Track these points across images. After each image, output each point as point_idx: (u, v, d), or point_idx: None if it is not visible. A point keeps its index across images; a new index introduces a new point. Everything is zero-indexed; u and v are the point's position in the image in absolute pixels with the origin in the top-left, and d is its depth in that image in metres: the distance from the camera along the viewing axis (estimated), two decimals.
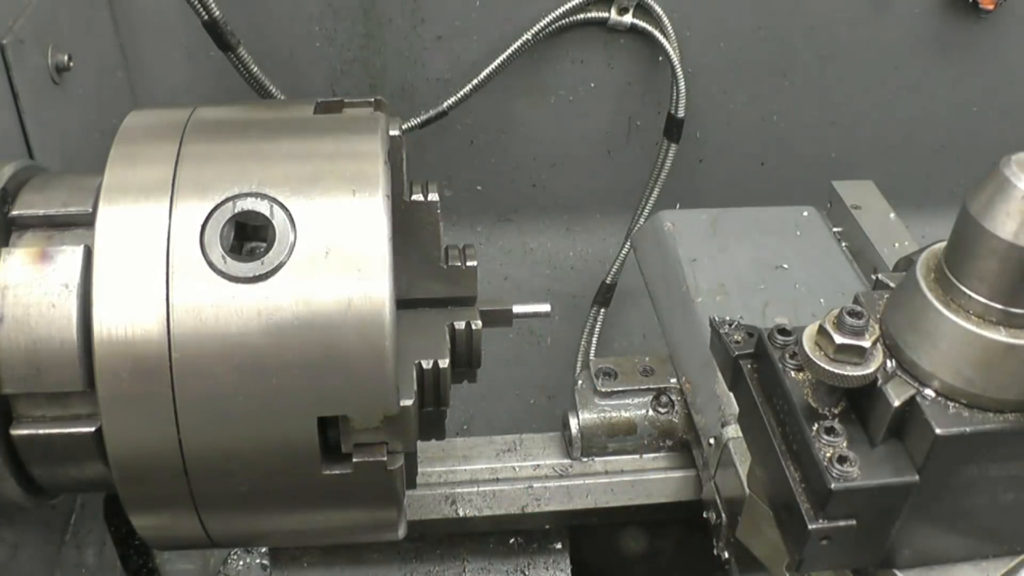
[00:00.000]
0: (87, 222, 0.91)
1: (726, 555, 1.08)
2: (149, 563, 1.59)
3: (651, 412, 1.23)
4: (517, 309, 1.14)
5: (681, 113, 2.08)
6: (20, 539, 1.14)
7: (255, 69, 1.92)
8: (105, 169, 0.89)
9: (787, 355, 0.92)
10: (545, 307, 1.18)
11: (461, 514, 1.19)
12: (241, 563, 1.97)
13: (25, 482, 0.96)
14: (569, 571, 1.30)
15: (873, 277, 1.04)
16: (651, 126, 2.17)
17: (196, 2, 1.78)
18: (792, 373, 0.92)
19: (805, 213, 1.49)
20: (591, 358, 1.71)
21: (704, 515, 1.15)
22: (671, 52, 2.04)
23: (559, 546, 1.31)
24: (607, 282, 2.24)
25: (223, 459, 0.87)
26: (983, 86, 2.22)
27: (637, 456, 1.26)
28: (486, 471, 1.22)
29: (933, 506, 0.89)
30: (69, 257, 0.89)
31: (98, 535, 1.38)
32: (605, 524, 1.30)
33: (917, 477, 0.85)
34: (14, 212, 0.93)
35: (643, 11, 2.04)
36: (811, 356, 0.85)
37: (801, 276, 1.34)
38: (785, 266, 1.36)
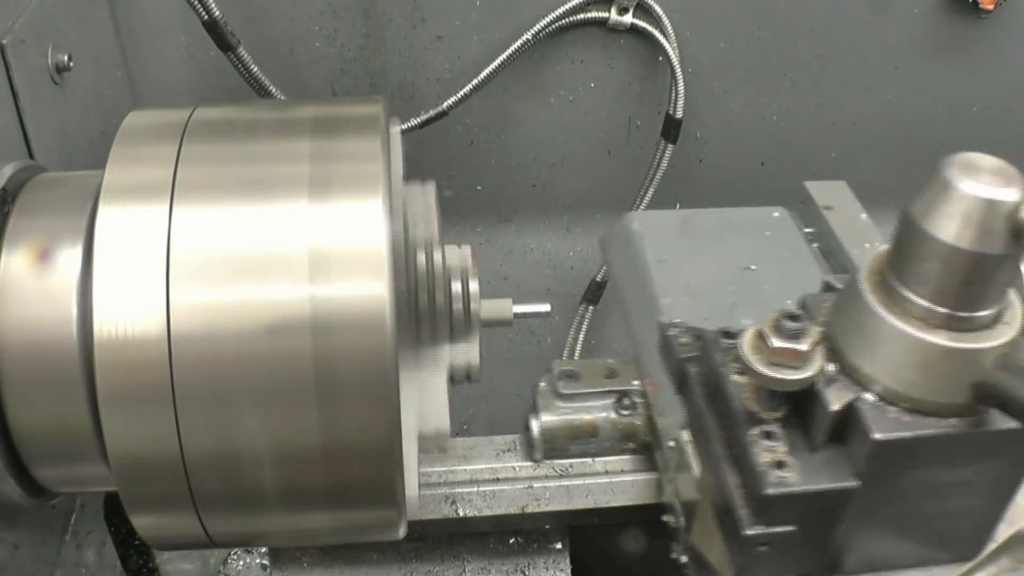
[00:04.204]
0: (87, 222, 0.91)
1: (683, 559, 1.07)
2: (149, 563, 1.59)
3: (613, 414, 1.22)
4: (517, 309, 1.14)
5: (679, 114, 2.08)
6: (20, 539, 1.14)
7: (255, 69, 1.92)
8: (105, 169, 0.89)
9: (731, 358, 0.91)
10: (545, 307, 1.18)
11: (461, 514, 1.19)
12: (241, 563, 1.98)
13: (25, 482, 0.96)
14: (569, 571, 1.30)
15: (823, 280, 1.03)
16: (651, 126, 2.17)
17: (196, 2, 1.78)
18: (735, 377, 0.91)
19: (776, 214, 1.47)
20: (559, 359, 1.69)
21: (664, 518, 1.14)
22: (671, 52, 2.04)
23: (559, 546, 1.30)
24: (597, 280, 2.24)
25: (223, 459, 0.87)
26: (983, 86, 2.22)
27: (639, 456, 1.26)
28: (486, 471, 1.22)
29: (878, 512, 0.88)
30: (69, 257, 0.89)
31: (98, 535, 1.38)
32: (606, 524, 1.30)
33: (857, 482, 0.84)
34: (14, 212, 0.93)
35: (643, 11, 2.04)
36: (749, 360, 0.84)
37: (769, 277, 1.32)
38: (754, 267, 1.34)
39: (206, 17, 1.80)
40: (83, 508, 1.33)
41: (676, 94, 2.06)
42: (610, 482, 1.21)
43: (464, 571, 1.27)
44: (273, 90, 1.96)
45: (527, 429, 1.21)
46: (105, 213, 0.86)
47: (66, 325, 0.87)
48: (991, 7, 2.05)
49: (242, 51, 1.88)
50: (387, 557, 1.26)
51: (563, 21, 2.02)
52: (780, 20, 2.10)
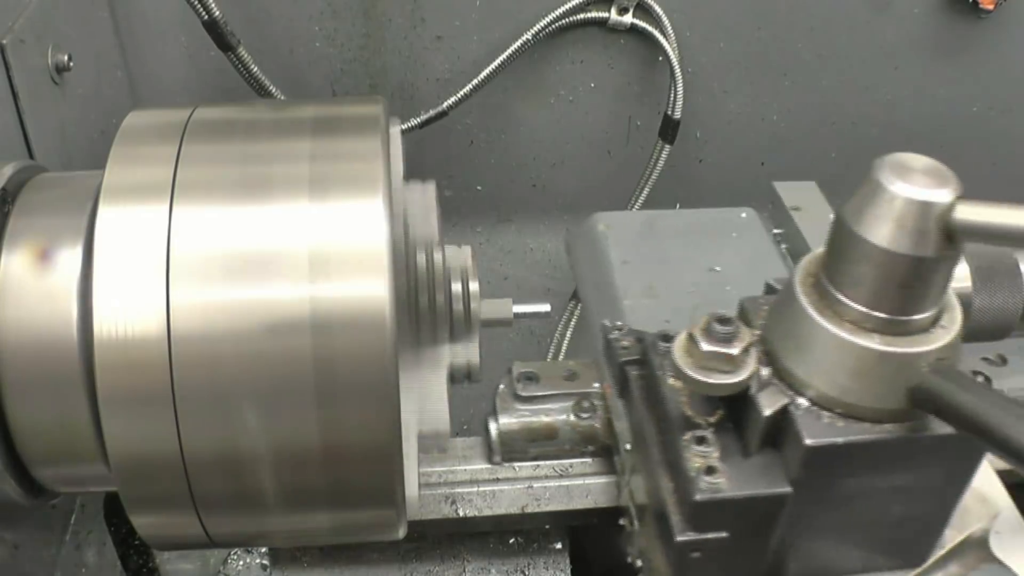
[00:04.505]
0: (87, 222, 0.91)
1: (639, 563, 1.07)
2: (149, 563, 1.59)
3: (572, 417, 1.20)
4: (517, 309, 1.14)
5: (677, 115, 2.08)
6: (20, 539, 1.14)
7: (255, 69, 1.92)
8: (105, 169, 0.89)
9: (668, 362, 0.88)
10: (545, 307, 1.18)
11: (461, 514, 1.19)
12: (241, 563, 1.97)
13: (25, 482, 0.96)
14: (569, 571, 1.30)
15: (765, 282, 1.01)
16: (651, 126, 2.17)
17: (196, 2, 1.79)
18: (671, 381, 0.89)
19: (743, 215, 1.45)
20: (519, 361, 1.67)
21: (620, 522, 1.13)
22: (670, 53, 2.04)
23: (559, 546, 1.30)
24: None
25: (223, 459, 0.87)
26: (983, 86, 2.23)
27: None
28: (486, 471, 1.22)
29: (816, 518, 0.87)
30: (69, 257, 0.89)
31: (98, 535, 1.38)
32: (606, 524, 1.30)
33: (790, 488, 0.83)
34: (14, 212, 0.93)
35: (643, 11, 2.04)
36: (680, 364, 0.83)
37: (734, 278, 1.29)
38: (718, 268, 1.32)
39: (206, 17, 1.80)
40: (83, 508, 1.33)
41: (675, 95, 2.07)
42: (610, 482, 1.21)
43: (464, 571, 1.27)
44: (273, 90, 1.96)
45: (486, 431, 1.20)
46: (105, 213, 0.85)
47: (66, 325, 0.87)
48: (991, 7, 2.05)
49: (242, 51, 1.88)
50: (387, 557, 1.26)
51: (563, 21, 2.02)
52: (780, 20, 2.10)
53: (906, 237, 0.74)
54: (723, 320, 0.83)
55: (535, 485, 1.20)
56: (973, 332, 1.02)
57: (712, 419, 0.87)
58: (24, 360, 0.87)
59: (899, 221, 0.74)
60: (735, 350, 0.82)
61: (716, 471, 0.83)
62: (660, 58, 2.09)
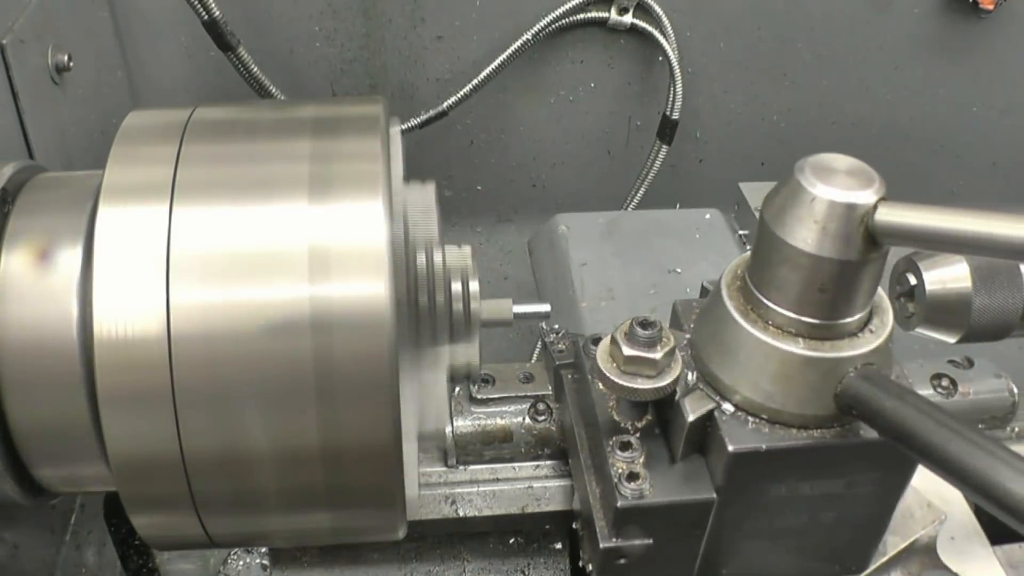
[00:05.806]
0: (87, 222, 0.91)
1: (589, 568, 1.06)
2: (149, 563, 1.59)
3: (527, 420, 1.20)
4: (517, 309, 1.13)
5: (676, 115, 2.08)
6: (20, 539, 1.14)
7: (255, 69, 1.92)
8: (105, 169, 0.89)
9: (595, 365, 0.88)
10: (545, 307, 1.18)
11: (461, 514, 1.19)
12: (241, 563, 1.97)
13: (25, 482, 0.96)
14: (569, 571, 1.30)
15: (702, 284, 1.00)
16: (651, 127, 2.17)
17: (196, 2, 1.78)
18: (600, 385, 0.88)
19: (708, 216, 1.44)
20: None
21: (573, 526, 1.13)
22: (670, 53, 2.04)
23: (559, 546, 1.30)
24: None
25: (223, 459, 0.87)
26: (983, 86, 2.23)
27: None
28: (486, 471, 1.22)
29: (746, 524, 0.86)
30: (69, 257, 0.89)
31: (98, 535, 1.38)
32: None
33: (715, 495, 0.82)
34: (14, 212, 0.93)
35: (643, 11, 2.04)
36: (603, 368, 0.82)
37: (694, 280, 1.28)
38: (678, 270, 1.31)
39: (206, 17, 1.80)
40: (83, 508, 1.33)
41: (674, 95, 2.06)
42: None
43: (464, 571, 1.27)
44: (273, 90, 1.96)
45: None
46: (105, 213, 0.85)
47: (66, 325, 0.87)
48: (991, 7, 2.05)
49: (242, 51, 1.88)
50: (387, 557, 1.26)
51: (563, 21, 2.02)
52: (780, 20, 2.10)
53: (828, 240, 0.72)
54: (646, 324, 0.81)
55: (535, 485, 1.20)
56: (973, 332, 1.02)
57: (640, 424, 0.87)
58: (24, 360, 0.87)
59: (821, 224, 0.72)
60: (657, 354, 0.80)
61: (639, 477, 0.82)
62: (660, 58, 2.09)
